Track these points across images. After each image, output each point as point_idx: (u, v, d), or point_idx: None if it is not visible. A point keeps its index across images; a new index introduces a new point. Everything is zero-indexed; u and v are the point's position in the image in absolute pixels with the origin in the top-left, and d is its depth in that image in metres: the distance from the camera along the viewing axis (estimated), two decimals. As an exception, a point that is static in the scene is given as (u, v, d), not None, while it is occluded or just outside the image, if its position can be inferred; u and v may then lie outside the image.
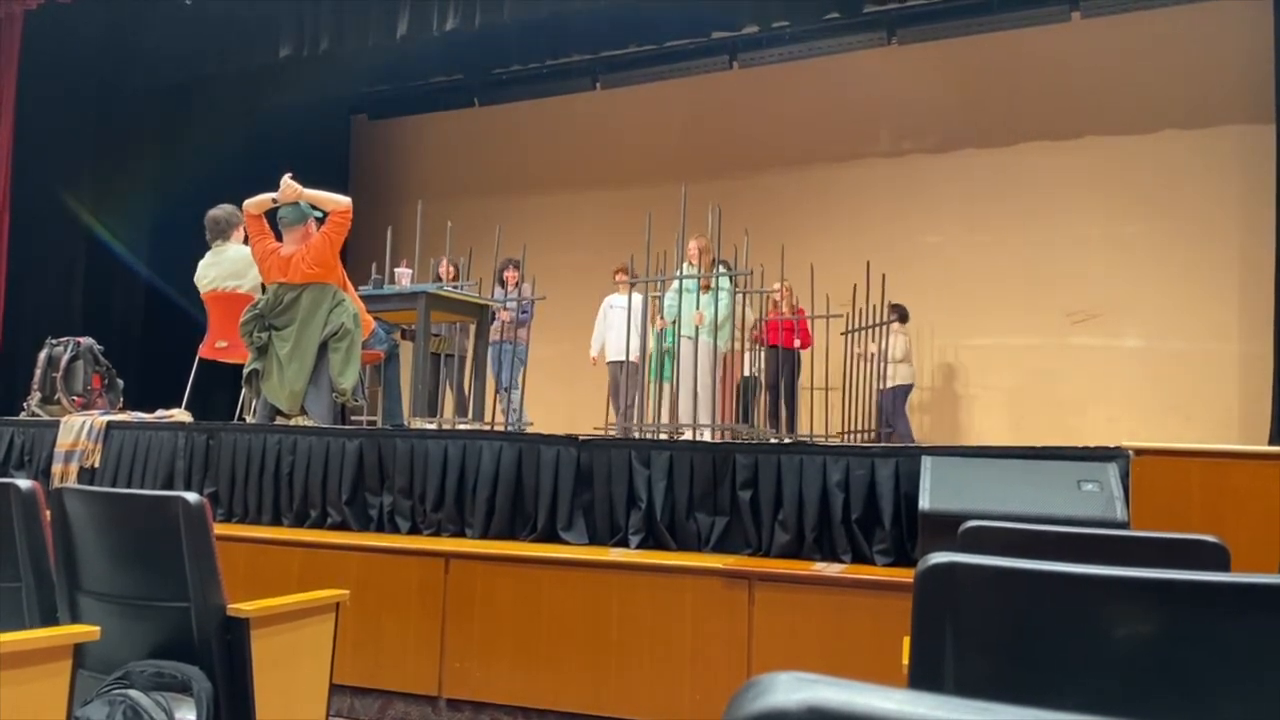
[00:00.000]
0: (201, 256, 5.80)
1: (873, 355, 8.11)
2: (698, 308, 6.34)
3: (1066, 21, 8.49)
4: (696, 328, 6.21)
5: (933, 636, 1.21)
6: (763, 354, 7.57)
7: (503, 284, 7.54)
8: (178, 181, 8.73)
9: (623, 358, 7.34)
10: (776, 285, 7.28)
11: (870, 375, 8.04)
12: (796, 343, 8.07)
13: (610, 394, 7.70)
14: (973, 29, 8.69)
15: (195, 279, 5.76)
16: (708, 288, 6.48)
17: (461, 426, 5.68)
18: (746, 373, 8.17)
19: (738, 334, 6.75)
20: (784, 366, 7.96)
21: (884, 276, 7.68)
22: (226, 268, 5.64)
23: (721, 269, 6.42)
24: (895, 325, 8.30)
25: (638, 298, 7.43)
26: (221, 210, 5.70)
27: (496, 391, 7.30)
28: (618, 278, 7.67)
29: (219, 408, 6.78)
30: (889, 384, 8.25)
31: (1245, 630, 1.13)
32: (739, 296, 6.58)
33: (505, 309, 7.30)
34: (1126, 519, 3.07)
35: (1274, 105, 7.18)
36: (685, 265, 6.34)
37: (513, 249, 7.38)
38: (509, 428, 6.61)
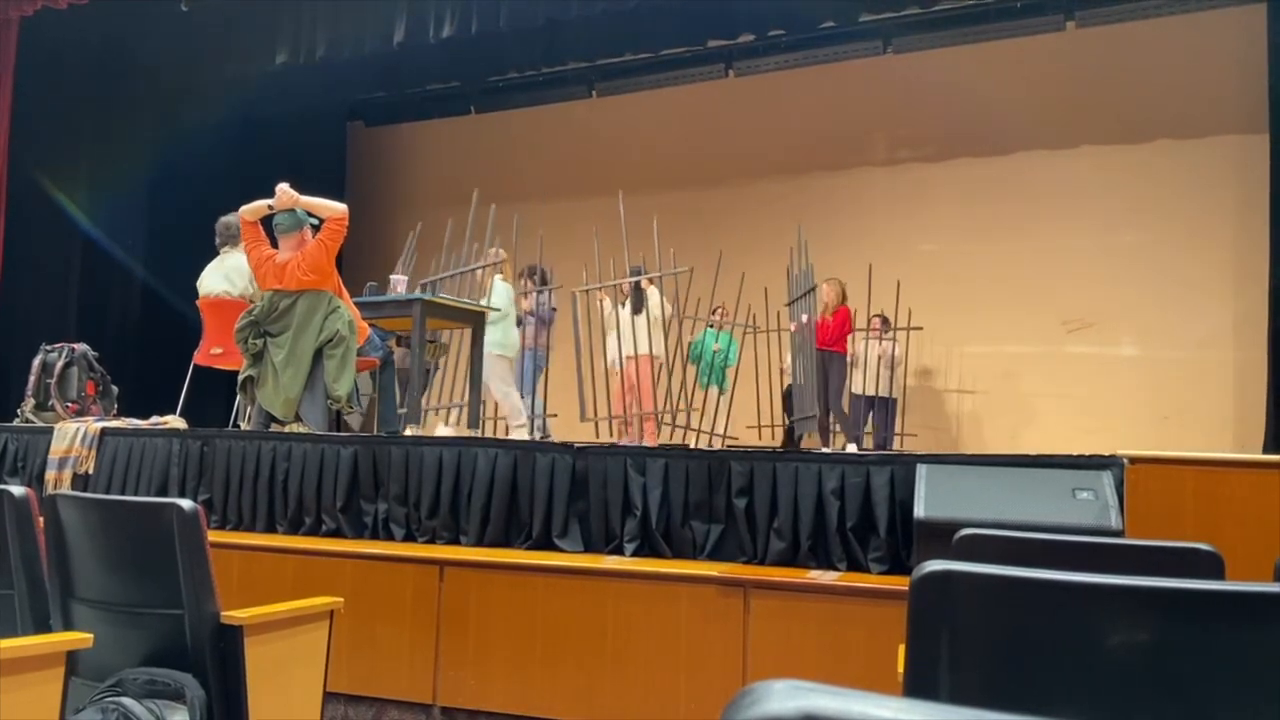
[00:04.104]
0: (197, 262, 5.80)
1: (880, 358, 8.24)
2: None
3: (1061, 31, 8.53)
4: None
5: (928, 644, 1.21)
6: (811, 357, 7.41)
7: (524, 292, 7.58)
8: (174, 187, 8.73)
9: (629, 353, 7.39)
10: (823, 282, 7.34)
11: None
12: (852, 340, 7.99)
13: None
14: (968, 38, 8.72)
15: (198, 283, 5.78)
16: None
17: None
18: (879, 392, 8.08)
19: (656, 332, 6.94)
20: (825, 370, 7.76)
21: (898, 283, 7.73)
22: (225, 274, 5.65)
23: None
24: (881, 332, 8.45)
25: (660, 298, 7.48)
26: (234, 216, 5.68)
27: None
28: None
29: (214, 414, 6.77)
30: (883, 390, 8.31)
31: (1239, 639, 1.13)
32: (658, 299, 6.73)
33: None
34: (1121, 527, 3.08)
35: (1268, 115, 7.22)
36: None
37: (514, 255, 7.41)
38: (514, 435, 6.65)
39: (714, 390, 8.09)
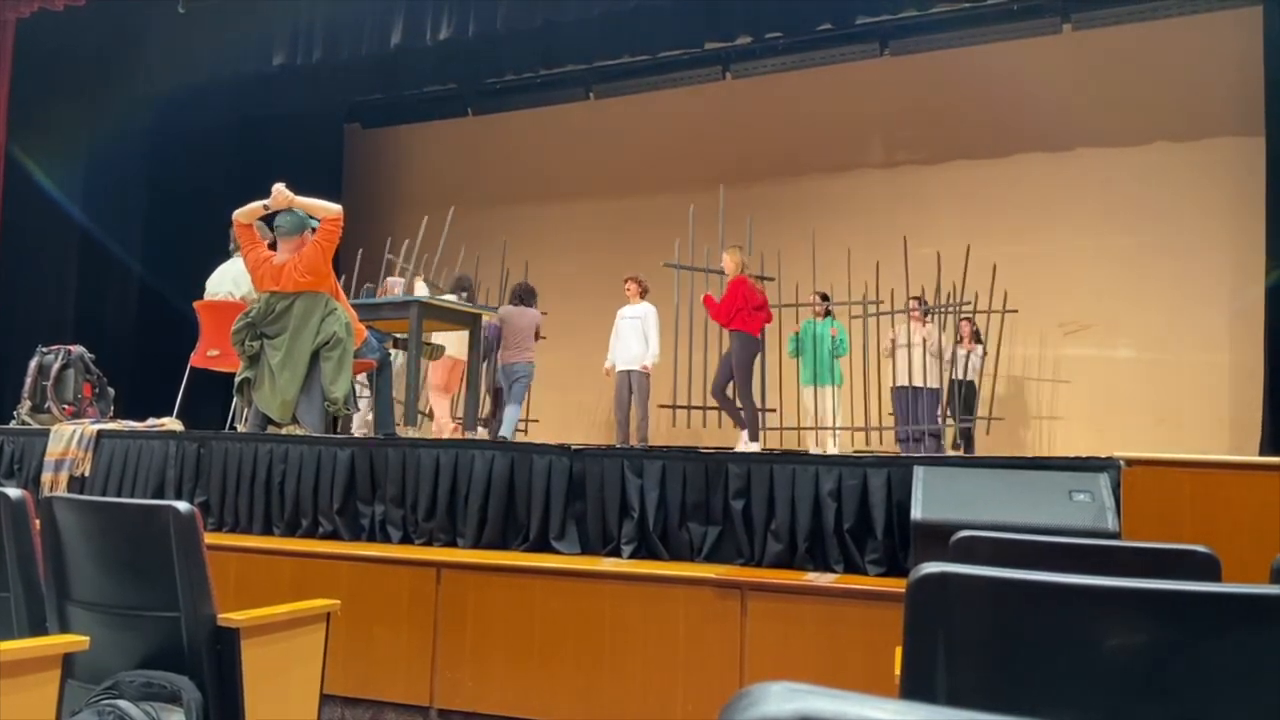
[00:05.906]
0: (195, 264, 5.80)
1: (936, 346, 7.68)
2: None
3: (1058, 34, 8.54)
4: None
5: (924, 646, 1.21)
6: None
7: None
8: (171, 189, 8.72)
9: (631, 367, 7.34)
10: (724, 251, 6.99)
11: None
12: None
13: (615, 404, 7.63)
14: (965, 40, 8.74)
15: (207, 283, 5.80)
16: None
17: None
18: (927, 383, 7.59)
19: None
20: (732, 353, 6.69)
21: (937, 254, 7.59)
22: (234, 276, 5.66)
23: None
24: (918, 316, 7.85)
25: (650, 307, 7.45)
26: None
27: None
28: (628, 287, 7.66)
29: (210, 416, 6.76)
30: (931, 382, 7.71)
31: (1236, 641, 1.13)
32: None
33: None
34: (1118, 529, 3.08)
35: (1264, 118, 7.23)
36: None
37: (509, 259, 7.41)
38: None
39: (809, 389, 7.71)
